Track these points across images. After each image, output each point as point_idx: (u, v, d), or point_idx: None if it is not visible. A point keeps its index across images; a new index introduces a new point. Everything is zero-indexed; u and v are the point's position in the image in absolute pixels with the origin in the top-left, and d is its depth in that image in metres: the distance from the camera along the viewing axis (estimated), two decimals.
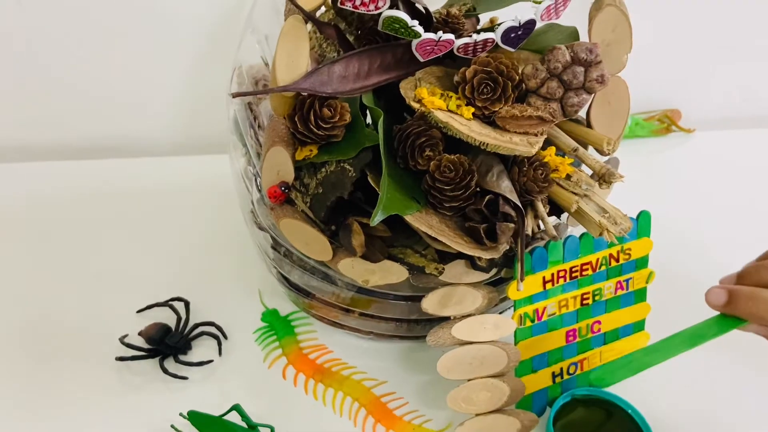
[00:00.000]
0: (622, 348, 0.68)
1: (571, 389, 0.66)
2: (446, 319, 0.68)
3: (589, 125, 0.62)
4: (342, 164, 0.55)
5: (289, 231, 0.58)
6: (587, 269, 0.64)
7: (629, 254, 0.66)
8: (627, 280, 0.66)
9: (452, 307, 0.60)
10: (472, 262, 0.59)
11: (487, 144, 0.54)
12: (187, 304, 0.74)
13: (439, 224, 0.55)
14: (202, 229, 0.87)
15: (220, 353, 0.71)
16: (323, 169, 0.56)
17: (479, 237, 0.55)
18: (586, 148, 0.61)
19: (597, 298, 0.65)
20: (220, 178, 0.94)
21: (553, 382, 0.66)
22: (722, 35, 1.05)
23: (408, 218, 0.53)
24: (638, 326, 0.69)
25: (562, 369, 0.66)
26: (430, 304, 0.60)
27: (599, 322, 0.66)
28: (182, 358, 0.69)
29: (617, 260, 0.65)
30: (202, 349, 0.71)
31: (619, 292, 0.66)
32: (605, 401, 0.66)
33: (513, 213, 0.55)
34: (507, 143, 0.54)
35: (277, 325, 0.74)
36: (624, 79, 0.62)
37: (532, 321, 0.62)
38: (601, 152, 0.60)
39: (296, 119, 0.54)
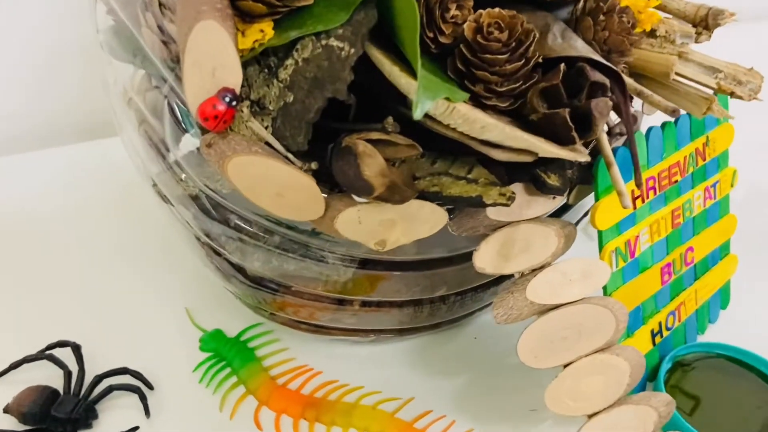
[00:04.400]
0: (714, 281, 0.50)
1: (667, 351, 0.47)
2: (494, 283, 0.46)
3: None
4: (325, 40, 0.32)
5: (246, 178, 0.34)
6: (676, 173, 0.45)
7: (714, 148, 0.47)
8: (714, 185, 0.48)
9: (518, 258, 0.39)
10: (537, 183, 0.38)
11: None
12: (76, 349, 0.47)
13: (500, 123, 0.34)
14: (86, 237, 0.60)
15: (147, 413, 0.45)
16: (290, 59, 0.33)
17: (563, 129, 0.34)
18: None
19: (688, 214, 0.46)
20: (100, 167, 0.68)
21: (653, 344, 0.46)
22: None
23: (462, 108, 0.31)
24: (724, 249, 0.51)
25: (660, 324, 0.46)
26: (487, 258, 0.38)
27: (692, 249, 0.47)
28: None
29: (704, 156, 0.47)
30: (115, 414, 0.45)
31: (708, 203, 0.48)
32: (718, 357, 0.47)
33: (606, 81, 0.34)
34: None
35: (226, 352, 0.49)
36: None
37: (625, 259, 0.42)
38: None
39: None
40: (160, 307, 0.53)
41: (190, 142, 0.38)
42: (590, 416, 0.37)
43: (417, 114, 0.29)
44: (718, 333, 0.52)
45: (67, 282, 0.55)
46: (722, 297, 0.52)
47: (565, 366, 0.38)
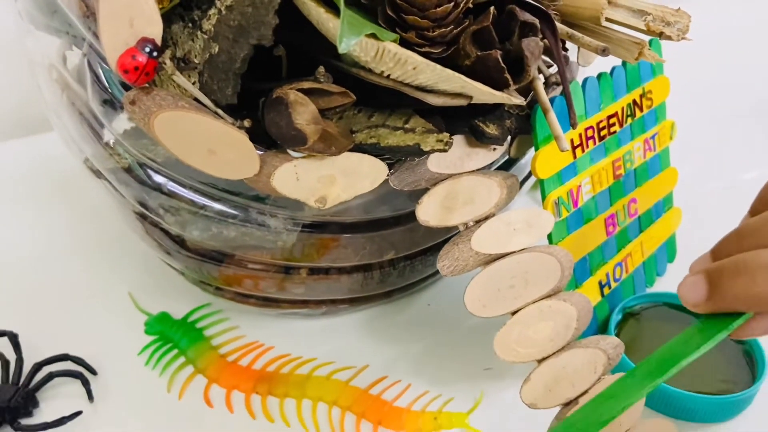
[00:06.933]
0: (659, 234, 0.51)
1: (616, 303, 0.47)
2: (437, 251, 0.46)
3: None
4: None
5: (174, 136, 0.33)
6: (614, 124, 0.45)
7: (651, 99, 0.48)
8: (653, 137, 0.49)
9: (462, 210, 0.38)
10: (475, 133, 0.38)
11: None
12: (13, 338, 0.45)
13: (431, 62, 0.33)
14: (23, 226, 0.57)
15: (90, 397, 0.43)
16: (213, 9, 0.32)
17: (496, 71, 0.34)
18: None
19: (629, 165, 0.47)
20: (34, 159, 0.65)
21: (602, 295, 0.46)
22: None
23: (392, 47, 0.31)
24: (668, 202, 0.52)
25: (608, 275, 0.46)
26: (431, 211, 0.37)
27: (635, 200, 0.48)
28: (26, 422, 0.41)
29: (641, 108, 0.47)
30: (57, 401, 0.43)
31: (648, 155, 0.49)
32: (667, 306, 0.48)
33: (536, 21, 0.34)
34: None
35: (173, 334, 0.47)
36: None
37: (568, 209, 0.42)
38: None
39: None
40: (103, 293, 0.51)
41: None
42: (540, 361, 0.37)
43: (341, 48, 0.28)
44: (666, 286, 0.52)
45: (3, 269, 0.53)
46: (668, 250, 0.53)
47: (513, 314, 0.38)
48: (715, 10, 0.89)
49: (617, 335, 0.45)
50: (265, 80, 0.36)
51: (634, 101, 0.46)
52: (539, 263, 0.39)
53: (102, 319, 0.49)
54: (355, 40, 0.29)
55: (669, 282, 0.53)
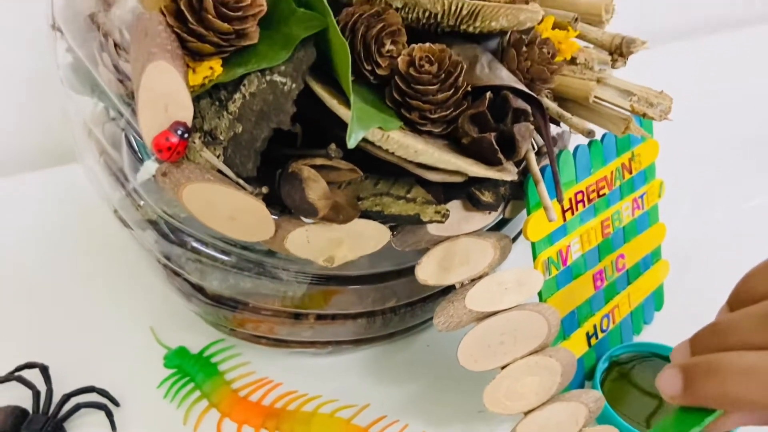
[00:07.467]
0: (646, 285, 0.54)
1: (604, 352, 0.50)
2: (441, 294, 0.49)
3: None
4: (269, 76, 0.35)
5: (200, 204, 0.36)
6: (603, 187, 0.48)
7: (640, 162, 0.51)
8: (641, 196, 0.52)
9: (458, 270, 0.42)
10: (472, 200, 0.42)
11: (479, 10, 0.37)
12: (44, 370, 0.49)
13: (432, 145, 0.37)
14: (53, 260, 0.61)
15: (113, 428, 0.47)
16: (238, 94, 0.36)
17: (490, 152, 0.38)
18: None
19: (617, 224, 0.50)
20: (65, 191, 0.70)
21: (589, 345, 0.49)
22: None
23: (395, 136, 0.34)
24: (656, 255, 0.55)
25: (595, 326, 0.50)
26: (429, 271, 0.41)
27: (623, 256, 0.51)
28: None
29: (630, 170, 0.50)
30: (84, 431, 0.47)
31: (637, 213, 0.52)
32: (653, 356, 0.51)
33: (528, 108, 0.38)
34: (507, 7, 0.37)
35: (190, 368, 0.51)
36: None
37: (558, 267, 0.46)
38: (596, 24, 0.45)
39: (183, 9, 0.33)
40: (126, 326, 0.55)
41: (147, 170, 0.40)
42: (526, 413, 0.41)
43: (351, 143, 0.32)
44: (653, 333, 0.55)
45: (36, 304, 0.57)
46: (656, 299, 0.56)
47: (503, 368, 0.41)
48: (701, 54, 0.94)
49: (602, 383, 0.49)
50: (284, 146, 0.39)
51: (624, 165, 0.50)
52: (528, 321, 0.42)
53: (125, 352, 0.53)
54: (363, 134, 0.33)
55: (656, 330, 0.56)
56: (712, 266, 0.62)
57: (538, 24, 0.41)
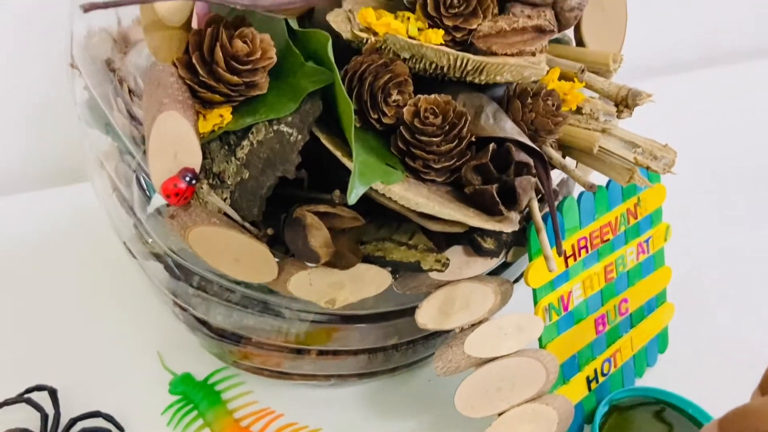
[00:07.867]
0: (649, 329, 0.54)
1: (604, 395, 0.51)
2: (444, 331, 0.50)
3: (580, 43, 0.47)
4: (276, 126, 0.36)
5: (206, 246, 0.37)
6: (607, 233, 0.49)
7: (646, 207, 0.52)
8: (647, 240, 0.52)
9: (458, 315, 0.42)
10: (474, 246, 0.42)
11: (484, 66, 0.37)
12: (53, 394, 0.50)
13: (433, 197, 0.38)
14: (63, 283, 0.63)
15: None
16: (246, 141, 0.37)
17: (491, 203, 0.38)
18: None
19: (621, 269, 0.50)
20: (77, 211, 0.71)
21: (589, 389, 0.50)
22: None
23: (396, 189, 0.35)
24: (661, 297, 0.55)
25: (596, 371, 0.50)
26: (429, 315, 0.42)
27: (626, 300, 0.51)
28: None
29: (635, 215, 0.51)
30: None
31: (641, 257, 0.52)
32: (655, 402, 0.51)
33: (530, 161, 0.39)
34: (512, 63, 0.38)
35: (194, 395, 0.52)
36: None
37: (559, 313, 0.46)
38: (604, 74, 0.46)
39: (194, 62, 0.34)
40: (133, 352, 0.56)
41: (155, 205, 0.42)
42: None
43: (351, 199, 0.33)
44: (656, 375, 0.55)
45: (45, 328, 0.58)
46: (660, 342, 0.56)
47: (500, 414, 0.42)
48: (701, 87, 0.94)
49: (601, 428, 0.49)
50: (290, 187, 0.40)
51: (629, 210, 0.50)
52: (526, 368, 0.42)
53: (132, 377, 0.54)
54: (364, 190, 0.33)
55: (660, 373, 0.56)
56: (718, 308, 0.62)
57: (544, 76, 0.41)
